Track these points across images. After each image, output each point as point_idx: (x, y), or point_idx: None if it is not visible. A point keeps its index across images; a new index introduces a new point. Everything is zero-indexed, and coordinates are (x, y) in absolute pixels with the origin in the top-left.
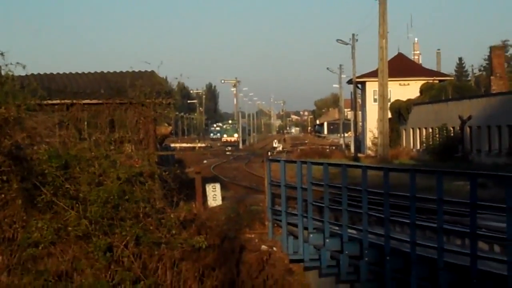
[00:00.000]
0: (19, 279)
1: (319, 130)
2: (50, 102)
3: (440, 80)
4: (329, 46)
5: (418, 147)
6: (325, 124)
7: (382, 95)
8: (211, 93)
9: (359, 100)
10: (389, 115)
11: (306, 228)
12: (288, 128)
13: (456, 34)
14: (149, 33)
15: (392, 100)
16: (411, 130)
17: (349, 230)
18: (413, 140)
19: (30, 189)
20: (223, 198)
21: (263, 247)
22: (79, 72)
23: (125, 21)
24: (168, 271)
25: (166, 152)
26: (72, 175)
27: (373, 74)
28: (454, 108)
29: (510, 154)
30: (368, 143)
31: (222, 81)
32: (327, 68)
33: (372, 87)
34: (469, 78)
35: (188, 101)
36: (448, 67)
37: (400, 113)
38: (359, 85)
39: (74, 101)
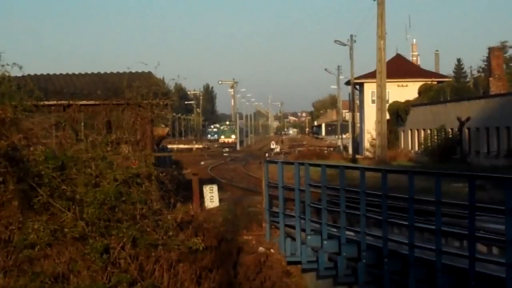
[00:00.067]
0: (15, 281)
1: (317, 132)
2: (46, 103)
3: (438, 82)
4: (327, 47)
5: (416, 148)
6: (323, 125)
7: (380, 97)
8: (209, 94)
9: (357, 102)
10: (387, 117)
11: (303, 230)
12: (286, 129)
13: (455, 35)
14: (146, 33)
15: (390, 102)
16: (409, 132)
17: (347, 232)
18: (411, 141)
19: (26, 190)
20: (220, 200)
21: (261, 249)
22: (76, 72)
23: (122, 22)
24: (165, 273)
25: (163, 154)
26: (69, 176)
27: (371, 75)
28: (453, 109)
29: (509, 156)
30: (366, 144)
31: (220, 82)
32: (325, 69)
33: (370, 88)
34: (468, 80)
35: (186, 102)
36: (447, 68)
37: (398, 115)
38: (357, 86)
39: (71, 102)
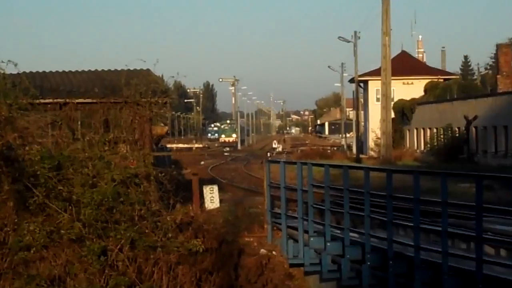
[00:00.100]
0: (10, 284)
1: (320, 131)
2: (42, 101)
3: (445, 79)
4: (330, 44)
5: (422, 148)
6: (326, 124)
7: (385, 94)
8: (209, 92)
9: (361, 100)
10: (392, 115)
11: (306, 232)
12: (288, 128)
13: (462, 32)
14: (145, 30)
15: (395, 100)
16: (415, 131)
17: (351, 234)
18: (417, 140)
19: (21, 191)
20: (221, 201)
21: (262, 251)
22: (73, 70)
23: (120, 18)
24: (164, 275)
25: (162, 153)
26: (65, 177)
27: (376, 72)
28: (459, 107)
29: None
30: (371, 143)
31: (220, 80)
32: (329, 67)
33: (374, 86)
34: (475, 77)
35: (185, 100)
36: (453, 66)
37: (403, 113)
38: (362, 84)
39: (68, 100)
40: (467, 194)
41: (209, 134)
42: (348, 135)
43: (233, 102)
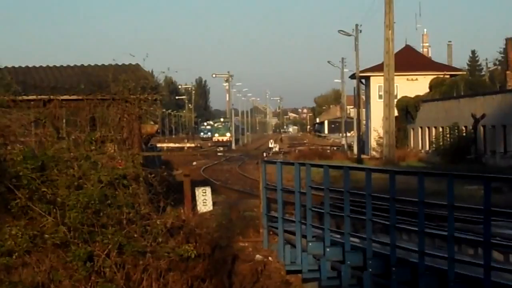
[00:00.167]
0: None
1: (319, 129)
2: (25, 97)
3: (451, 75)
4: (330, 38)
5: (427, 148)
6: (326, 122)
7: (388, 91)
8: (201, 88)
9: (363, 97)
10: (396, 113)
11: (304, 236)
12: (285, 127)
13: (469, 25)
14: (134, 23)
15: (399, 97)
16: (419, 130)
17: (352, 239)
18: (422, 140)
19: (3, 193)
20: (214, 203)
21: (258, 256)
22: (58, 65)
23: (108, 10)
24: (153, 282)
25: (152, 153)
26: (49, 178)
27: (378, 68)
28: (467, 105)
29: None
30: (373, 143)
31: (214, 76)
32: (328, 62)
33: (377, 82)
34: (483, 73)
35: (176, 97)
36: (460, 61)
37: (407, 111)
38: (363, 80)
39: (52, 97)
40: (474, 197)
41: (202, 133)
42: (348, 134)
43: (227, 99)
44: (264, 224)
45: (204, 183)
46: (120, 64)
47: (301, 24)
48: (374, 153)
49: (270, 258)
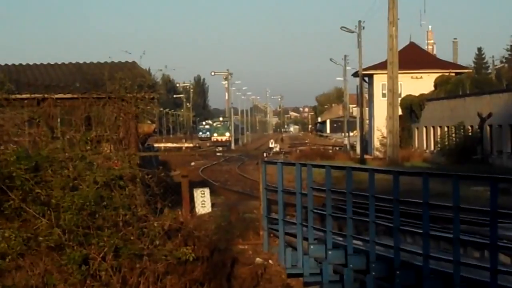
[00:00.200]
0: None
1: (320, 129)
2: (19, 96)
3: (456, 73)
4: (332, 35)
5: (432, 148)
6: (328, 122)
7: (392, 90)
8: (200, 86)
9: (366, 95)
10: (400, 112)
11: (306, 239)
12: (286, 126)
13: (475, 21)
14: (130, 19)
15: (402, 95)
16: (424, 129)
17: (354, 241)
18: (426, 140)
19: None
20: (213, 205)
21: (258, 259)
22: (52, 63)
23: (104, 6)
24: (151, 286)
25: (149, 153)
26: (44, 179)
27: (382, 65)
28: (473, 104)
29: None
30: (376, 143)
31: (212, 73)
32: (330, 59)
33: (380, 80)
34: (489, 71)
35: (174, 96)
36: (466, 58)
37: (411, 110)
38: (366, 78)
39: (46, 95)
40: (481, 198)
41: (200, 133)
42: (351, 134)
43: (226, 97)
44: (264, 226)
45: (202, 184)
46: (116, 61)
47: (302, 21)
48: (377, 153)
49: (270, 261)
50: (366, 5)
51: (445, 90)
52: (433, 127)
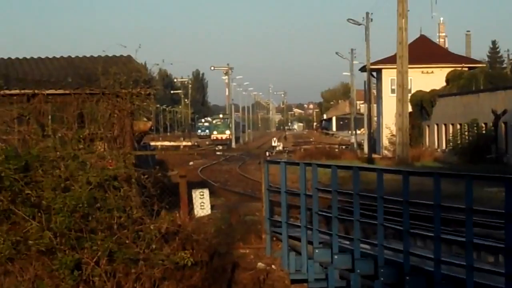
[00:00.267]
0: None
1: (326, 127)
2: (7, 92)
3: (470, 68)
4: (339, 27)
5: (444, 146)
6: (334, 119)
7: (401, 85)
8: (199, 82)
9: (374, 91)
10: (410, 109)
11: (310, 243)
12: (289, 124)
13: (489, 13)
14: (126, 11)
15: (413, 91)
16: (435, 127)
17: (362, 245)
18: (438, 138)
19: None
20: (212, 207)
21: (260, 264)
22: (43, 57)
23: None
24: None
25: (145, 152)
26: (34, 179)
27: (391, 60)
28: (487, 100)
29: None
30: (385, 142)
31: (212, 68)
32: (337, 53)
33: (389, 75)
34: (504, 65)
35: (172, 92)
36: (480, 52)
37: (422, 107)
38: (374, 73)
39: (36, 91)
40: (495, 200)
41: (199, 131)
42: (358, 131)
43: (227, 93)
44: (267, 229)
45: (201, 184)
46: (110, 55)
47: (307, 13)
48: (386, 152)
49: (273, 266)
50: None
51: (457, 85)
52: (445, 124)
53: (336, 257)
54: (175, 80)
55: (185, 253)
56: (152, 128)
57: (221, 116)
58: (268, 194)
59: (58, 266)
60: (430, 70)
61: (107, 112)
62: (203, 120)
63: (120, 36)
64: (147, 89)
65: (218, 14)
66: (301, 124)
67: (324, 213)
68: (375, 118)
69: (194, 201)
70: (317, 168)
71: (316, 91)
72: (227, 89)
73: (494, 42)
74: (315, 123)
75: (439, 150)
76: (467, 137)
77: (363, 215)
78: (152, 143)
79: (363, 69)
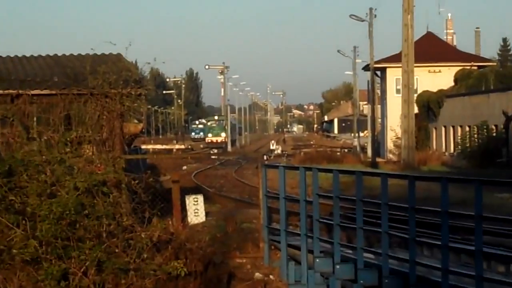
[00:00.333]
0: None
1: (327, 129)
2: None
3: (479, 66)
4: (340, 24)
5: (452, 150)
6: (335, 121)
7: (407, 85)
8: (193, 82)
9: (378, 91)
10: (416, 110)
11: (311, 251)
12: (289, 126)
13: (499, 9)
14: (115, 7)
15: (419, 91)
16: (442, 129)
17: (365, 254)
18: (446, 141)
19: None
20: (207, 214)
21: (257, 274)
22: (27, 55)
23: None
24: None
25: (136, 156)
26: (18, 184)
27: (396, 58)
28: (497, 101)
29: None
30: (389, 145)
31: (207, 67)
32: (338, 51)
33: (394, 74)
34: None
35: (164, 92)
36: (490, 50)
37: (429, 108)
38: (378, 72)
39: (21, 91)
40: (506, 206)
41: (193, 133)
42: (361, 134)
43: (222, 94)
44: (265, 238)
45: (195, 190)
46: (99, 53)
47: (307, 9)
48: (390, 155)
49: (271, 277)
50: None
51: (466, 85)
52: (453, 126)
53: (338, 267)
54: (167, 79)
55: (178, 263)
56: (143, 130)
57: (216, 117)
58: (266, 200)
59: (43, 276)
60: (437, 69)
61: (95, 114)
62: (197, 122)
63: (109, 33)
64: (138, 89)
65: (213, 10)
66: (300, 126)
67: (325, 221)
68: (379, 120)
69: (187, 207)
70: (318, 173)
71: (317, 91)
72: (222, 89)
73: (505, 40)
74: (315, 125)
75: (446, 153)
76: (476, 140)
77: (367, 222)
78: (143, 147)
79: (366, 68)
